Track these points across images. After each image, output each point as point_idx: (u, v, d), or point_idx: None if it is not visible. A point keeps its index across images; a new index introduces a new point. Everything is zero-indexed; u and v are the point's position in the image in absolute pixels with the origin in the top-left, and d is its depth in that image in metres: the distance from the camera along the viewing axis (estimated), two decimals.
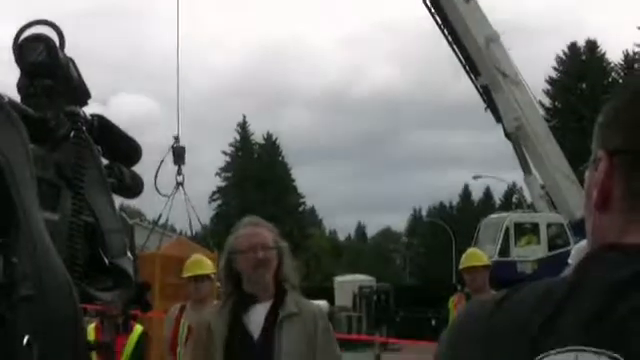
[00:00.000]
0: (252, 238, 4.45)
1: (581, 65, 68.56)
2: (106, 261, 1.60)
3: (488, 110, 30.81)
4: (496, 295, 1.20)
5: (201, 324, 4.55)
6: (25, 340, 1.30)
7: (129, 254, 1.66)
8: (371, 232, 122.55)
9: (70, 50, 1.73)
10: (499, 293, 1.20)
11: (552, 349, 1.07)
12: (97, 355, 7.54)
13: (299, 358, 4.32)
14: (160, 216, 20.26)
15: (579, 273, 1.15)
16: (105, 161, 1.75)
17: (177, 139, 19.49)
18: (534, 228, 32.61)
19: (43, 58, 1.62)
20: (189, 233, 25.70)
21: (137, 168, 1.96)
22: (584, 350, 1.05)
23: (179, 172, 19.23)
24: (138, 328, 8.09)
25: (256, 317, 4.39)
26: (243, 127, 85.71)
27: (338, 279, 42.90)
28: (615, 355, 1.04)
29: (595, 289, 1.10)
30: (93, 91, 1.76)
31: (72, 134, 1.60)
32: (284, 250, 4.55)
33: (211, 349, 4.37)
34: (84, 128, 1.62)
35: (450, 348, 1.22)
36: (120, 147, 1.81)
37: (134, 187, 1.88)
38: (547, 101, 67.06)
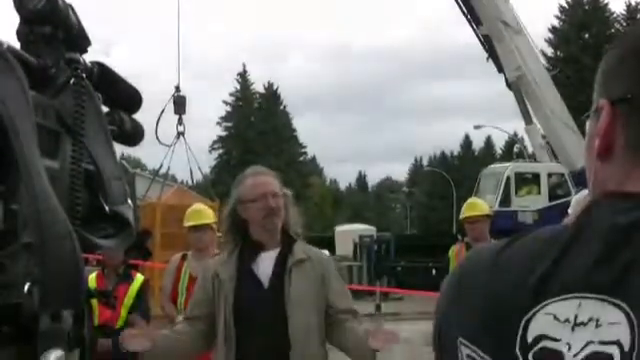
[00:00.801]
0: (261, 187, 4.46)
1: (584, 15, 68.16)
2: (106, 208, 1.60)
3: (490, 60, 30.70)
4: (497, 243, 1.20)
5: (207, 273, 4.56)
6: (26, 287, 1.30)
7: (129, 201, 1.65)
8: (372, 181, 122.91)
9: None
10: (500, 241, 1.20)
11: (555, 296, 1.07)
12: (98, 303, 7.58)
13: (309, 304, 4.35)
14: (161, 166, 20.30)
15: (581, 221, 1.15)
16: (105, 109, 1.75)
17: (178, 89, 19.47)
18: (535, 178, 32.56)
19: (42, 5, 1.60)
20: (190, 183, 25.82)
21: (138, 118, 1.95)
22: (587, 297, 1.06)
23: (180, 122, 19.24)
24: (139, 277, 8.11)
25: (264, 265, 4.41)
26: (243, 76, 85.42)
27: (339, 229, 42.91)
28: (618, 302, 1.04)
29: (597, 236, 1.10)
30: (95, 41, 1.74)
31: (72, 81, 1.59)
32: (289, 199, 4.57)
33: (220, 297, 4.38)
34: (84, 75, 1.61)
35: (451, 297, 1.22)
36: (120, 94, 1.80)
37: (134, 135, 1.87)
38: (549, 50, 66.78)
